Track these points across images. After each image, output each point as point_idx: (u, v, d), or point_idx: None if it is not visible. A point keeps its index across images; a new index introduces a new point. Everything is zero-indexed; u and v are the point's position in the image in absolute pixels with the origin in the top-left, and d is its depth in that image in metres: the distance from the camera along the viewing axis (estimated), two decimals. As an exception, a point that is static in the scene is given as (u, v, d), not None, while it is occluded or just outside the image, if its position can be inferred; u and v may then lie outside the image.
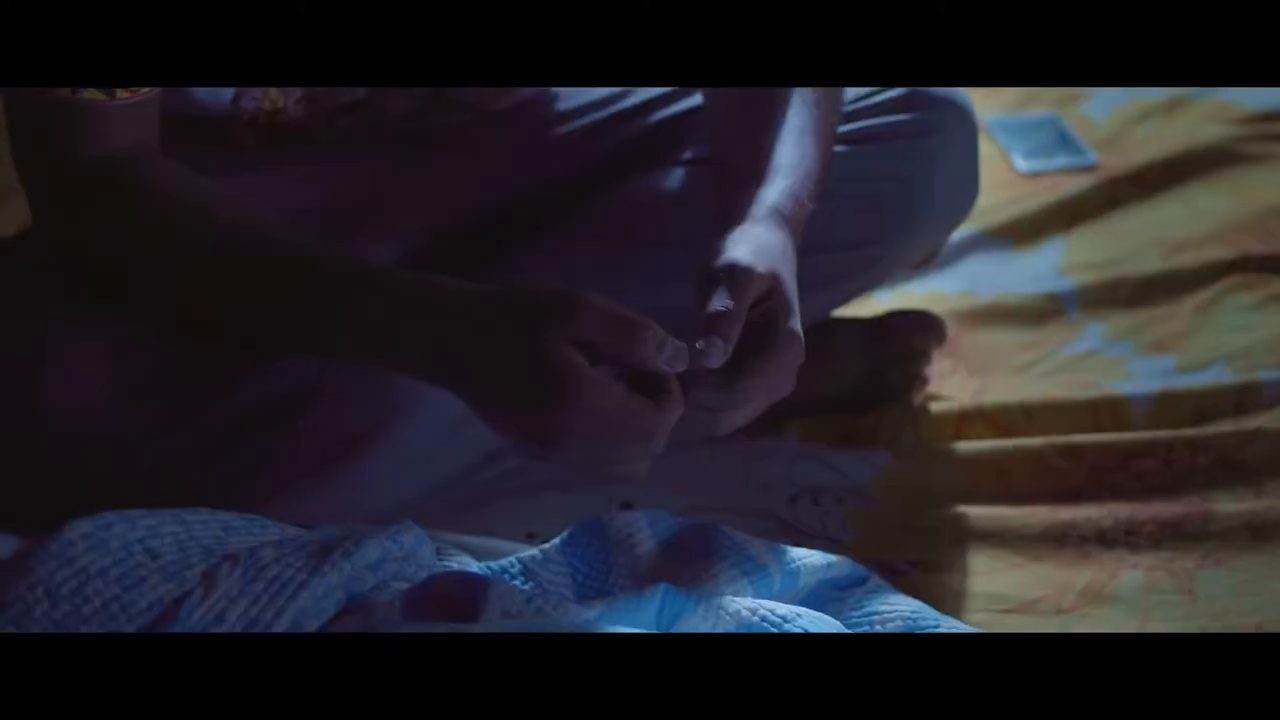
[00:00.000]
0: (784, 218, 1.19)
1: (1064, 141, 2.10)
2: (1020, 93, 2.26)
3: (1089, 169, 2.03)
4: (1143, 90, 2.20)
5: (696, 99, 1.43)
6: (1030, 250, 1.89)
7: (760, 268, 1.11)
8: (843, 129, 1.35)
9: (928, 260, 1.67)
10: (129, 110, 1.19)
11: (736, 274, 1.10)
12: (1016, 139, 2.11)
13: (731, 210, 1.19)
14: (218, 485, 1.21)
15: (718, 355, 1.08)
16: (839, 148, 1.33)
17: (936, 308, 1.70)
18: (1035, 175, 2.04)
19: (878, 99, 1.40)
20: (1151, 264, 1.81)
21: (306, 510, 1.21)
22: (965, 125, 1.42)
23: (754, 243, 1.13)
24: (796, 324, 1.12)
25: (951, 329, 1.65)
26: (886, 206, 1.40)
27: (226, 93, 1.31)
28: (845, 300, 1.48)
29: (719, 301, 1.09)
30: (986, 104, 2.15)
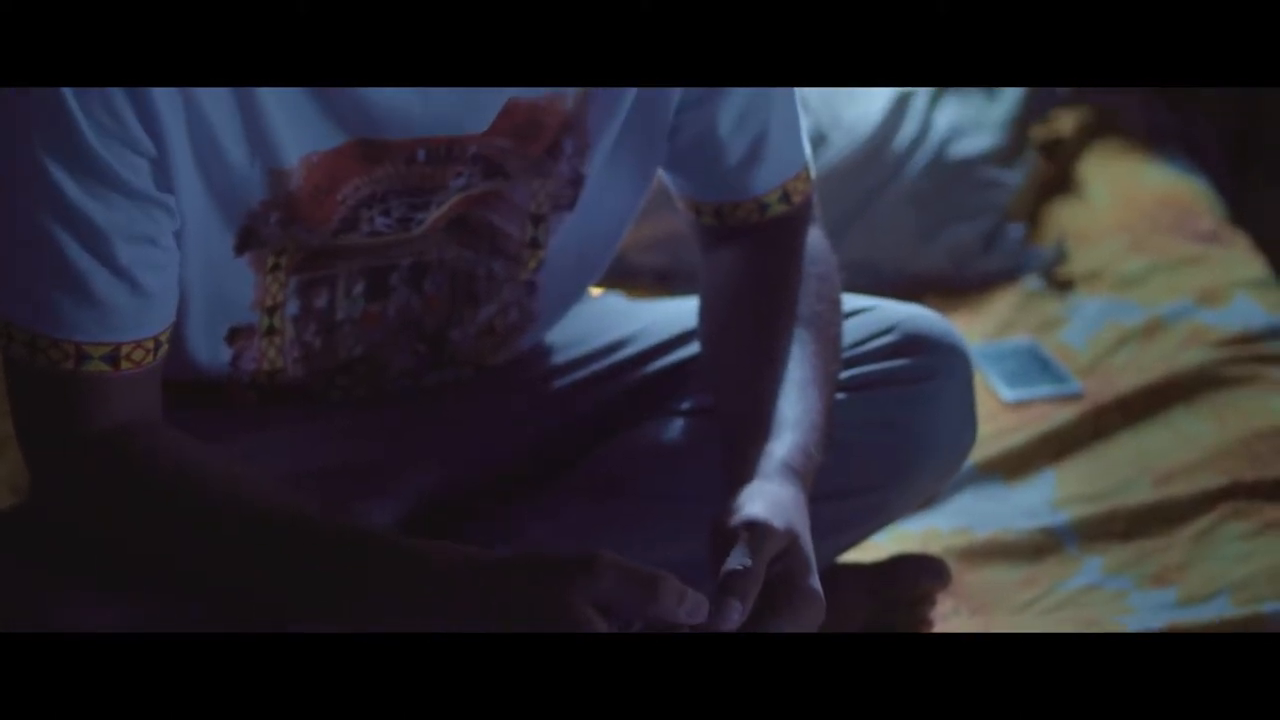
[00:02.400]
0: (795, 472, 1.20)
1: (1046, 369, 2.12)
2: (998, 320, 2.28)
3: (1073, 397, 2.05)
4: (1120, 315, 2.23)
5: (694, 348, 1.44)
6: (1022, 484, 1.89)
7: (778, 524, 1.11)
8: (841, 376, 1.36)
9: (928, 501, 1.67)
10: (131, 382, 1.20)
11: (755, 531, 1.11)
12: (998, 367, 2.12)
13: (742, 466, 1.20)
14: None
15: (734, 617, 1.08)
16: (838, 395, 1.34)
17: (933, 545, 1.69)
18: (1020, 404, 2.05)
19: (874, 345, 1.41)
20: (1144, 494, 1.81)
21: None
22: (961, 369, 1.43)
23: (769, 499, 1.14)
24: (815, 581, 1.12)
25: (950, 568, 1.64)
26: (887, 453, 1.40)
27: (225, 354, 1.32)
28: (850, 546, 1.48)
29: (736, 560, 1.10)
30: (967, 333, 2.17)
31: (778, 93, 1.36)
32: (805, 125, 1.41)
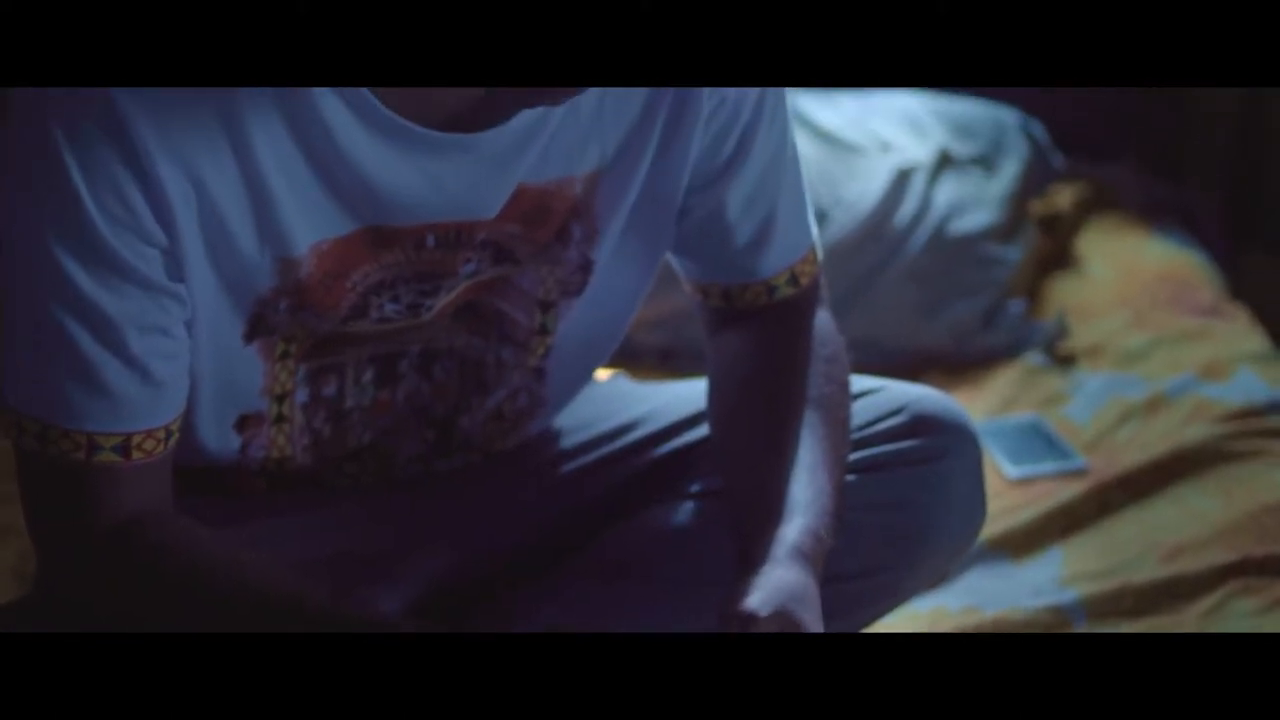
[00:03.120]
0: (805, 556, 1.20)
1: (1050, 445, 2.12)
2: (1001, 396, 2.29)
3: (1078, 474, 2.04)
4: (1123, 390, 2.23)
5: (703, 430, 1.44)
6: (1029, 561, 1.88)
7: (765, 614, 1.12)
8: (850, 457, 1.36)
9: (936, 580, 1.66)
10: (143, 471, 1.20)
11: (746, 624, 1.11)
12: (1003, 444, 2.12)
13: (752, 551, 1.20)
14: None
15: None
16: (848, 477, 1.34)
17: (942, 625, 1.68)
18: (1025, 481, 2.05)
19: (883, 427, 1.41)
20: (1151, 571, 1.80)
21: None
22: (970, 449, 1.43)
23: (775, 586, 1.16)
24: None
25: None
26: (898, 534, 1.40)
27: (235, 442, 1.32)
28: (862, 628, 1.47)
29: None
30: (970, 410, 2.16)
31: (786, 174, 1.37)
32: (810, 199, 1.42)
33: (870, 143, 2.61)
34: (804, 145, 2.48)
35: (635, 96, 1.26)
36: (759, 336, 1.39)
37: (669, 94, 1.27)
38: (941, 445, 1.40)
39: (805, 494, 1.25)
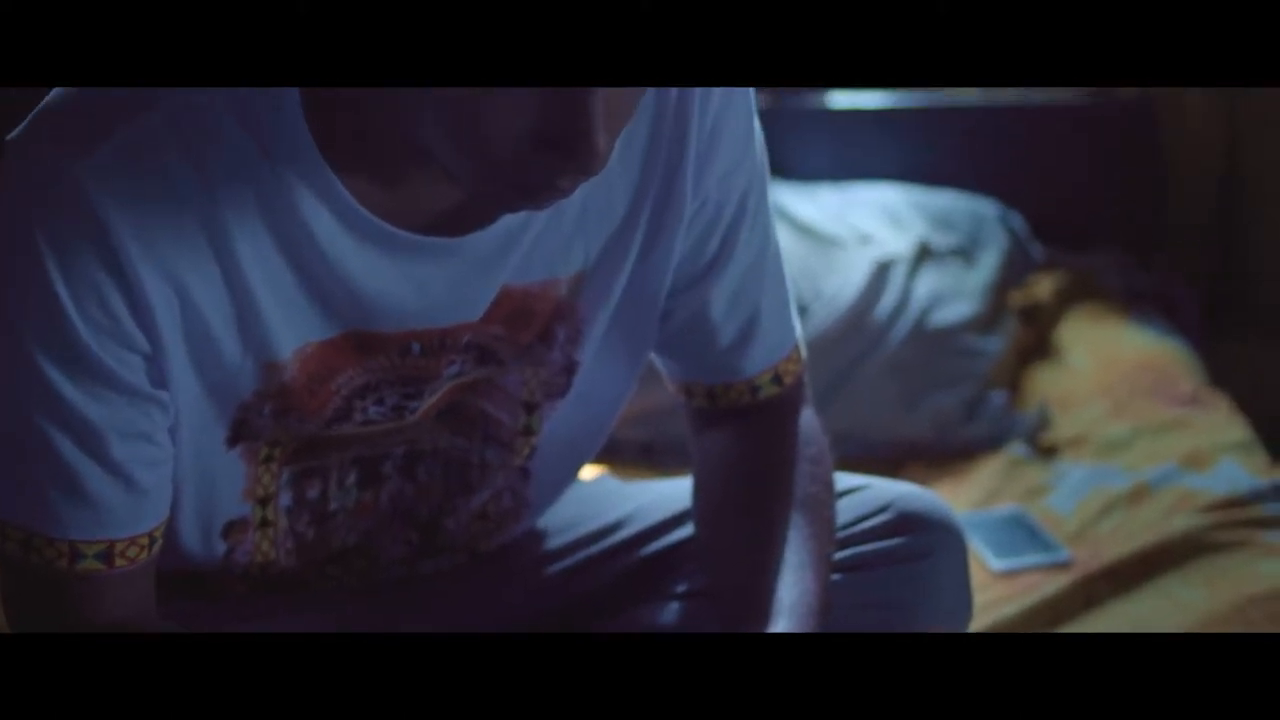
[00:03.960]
0: (793, 659, 1.18)
1: (1034, 537, 2.12)
2: (983, 488, 2.29)
3: (1063, 566, 2.04)
4: (1105, 481, 2.23)
5: (689, 530, 1.43)
6: (1016, 656, 1.88)
7: None
8: (836, 556, 1.36)
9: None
10: (125, 578, 1.19)
11: None
12: (987, 537, 2.12)
13: (739, 653, 1.19)
14: None
15: None
16: (834, 576, 1.33)
17: None
18: (1010, 574, 2.04)
19: (868, 525, 1.40)
20: (1138, 664, 1.80)
21: None
22: (956, 546, 1.42)
23: None
24: None
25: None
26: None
27: (219, 547, 1.31)
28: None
29: None
30: (953, 502, 2.17)
31: (769, 273, 1.37)
32: (793, 297, 1.42)
33: (850, 235, 2.63)
34: (783, 239, 2.49)
35: (618, 199, 1.27)
36: (743, 436, 1.39)
37: (652, 196, 1.27)
38: (927, 543, 1.40)
39: (791, 594, 1.25)
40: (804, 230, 2.64)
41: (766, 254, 1.37)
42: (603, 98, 1.03)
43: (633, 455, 2.34)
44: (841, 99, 3.05)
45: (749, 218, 1.33)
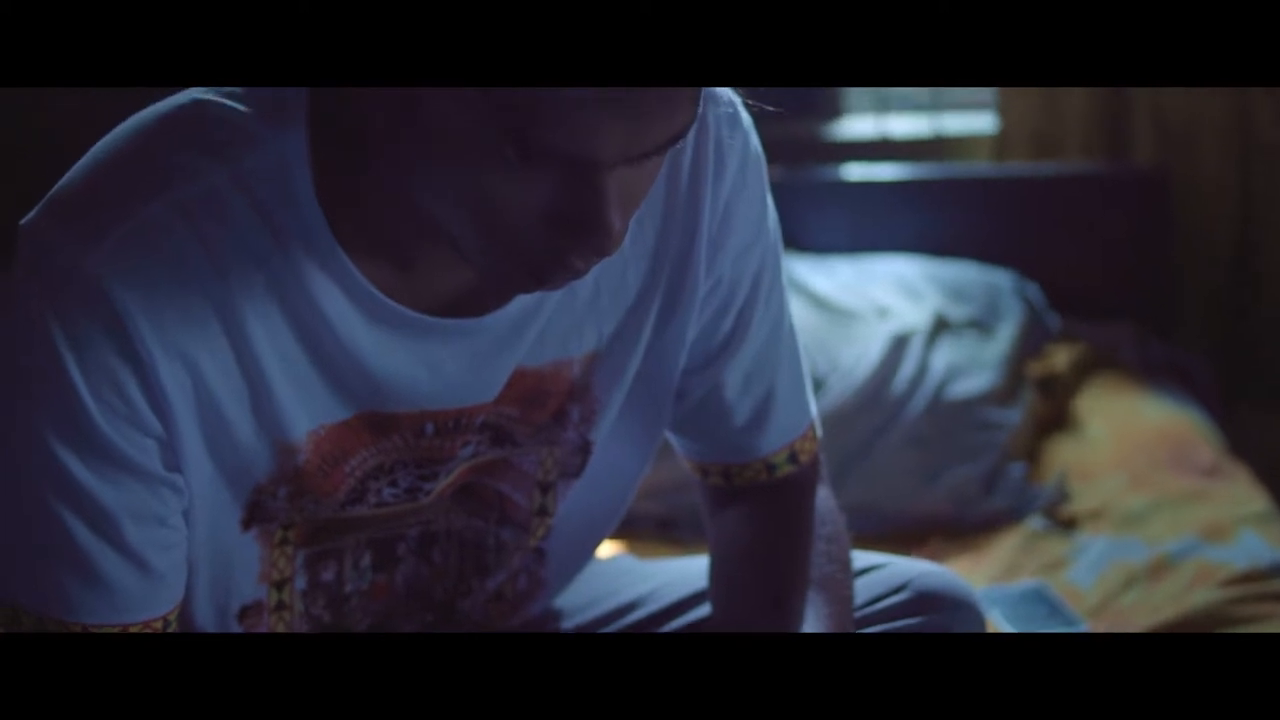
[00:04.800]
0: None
1: (1054, 612, 2.10)
2: (1003, 562, 2.27)
3: (1084, 640, 2.03)
4: (1125, 554, 2.22)
5: (705, 609, 1.42)
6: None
7: None
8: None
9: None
10: None
11: None
12: (1006, 612, 2.10)
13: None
14: None
15: None
16: (853, 656, 1.33)
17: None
18: (1030, 649, 2.03)
19: (886, 604, 1.39)
20: (1161, 741, 1.78)
21: None
22: (974, 625, 1.41)
23: None
24: None
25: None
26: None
27: (235, 630, 1.30)
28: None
29: None
30: (973, 576, 2.16)
31: (783, 351, 1.37)
32: (808, 374, 1.42)
33: (866, 308, 2.63)
34: (800, 311, 2.50)
35: (632, 280, 1.27)
36: (759, 515, 1.38)
37: (665, 275, 1.27)
38: (945, 623, 1.39)
39: (809, 676, 1.24)
40: (820, 303, 2.64)
41: (781, 332, 1.37)
42: (617, 178, 1.03)
43: (651, 529, 2.33)
44: (856, 171, 3.05)
45: (763, 296, 1.33)
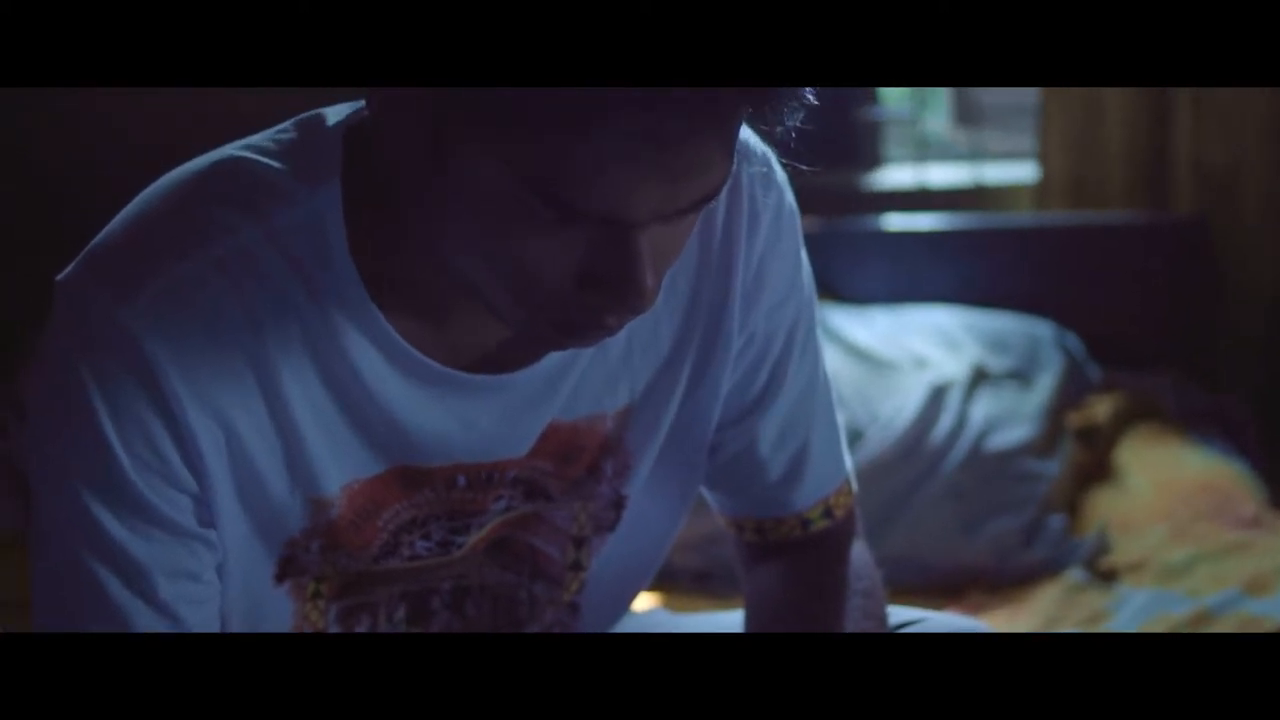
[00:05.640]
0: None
1: (1095, 666, 2.08)
2: (1043, 615, 2.26)
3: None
4: (1167, 607, 2.20)
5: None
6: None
7: None
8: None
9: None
10: None
11: None
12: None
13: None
14: None
15: None
16: None
17: None
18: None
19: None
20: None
21: None
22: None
23: None
24: None
25: None
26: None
27: (266, 684, 1.30)
28: None
29: None
30: (1012, 629, 2.15)
31: (818, 406, 1.37)
32: (843, 427, 1.41)
33: (905, 359, 2.62)
34: (838, 362, 2.50)
35: (664, 335, 1.27)
36: (793, 570, 1.37)
37: (699, 331, 1.27)
38: (982, 678, 1.38)
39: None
40: (859, 354, 2.63)
41: (815, 386, 1.36)
42: (650, 236, 1.03)
43: (687, 582, 2.32)
44: (895, 221, 3.05)
45: (797, 351, 1.33)
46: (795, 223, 1.30)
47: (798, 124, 1.04)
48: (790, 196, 1.30)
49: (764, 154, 1.25)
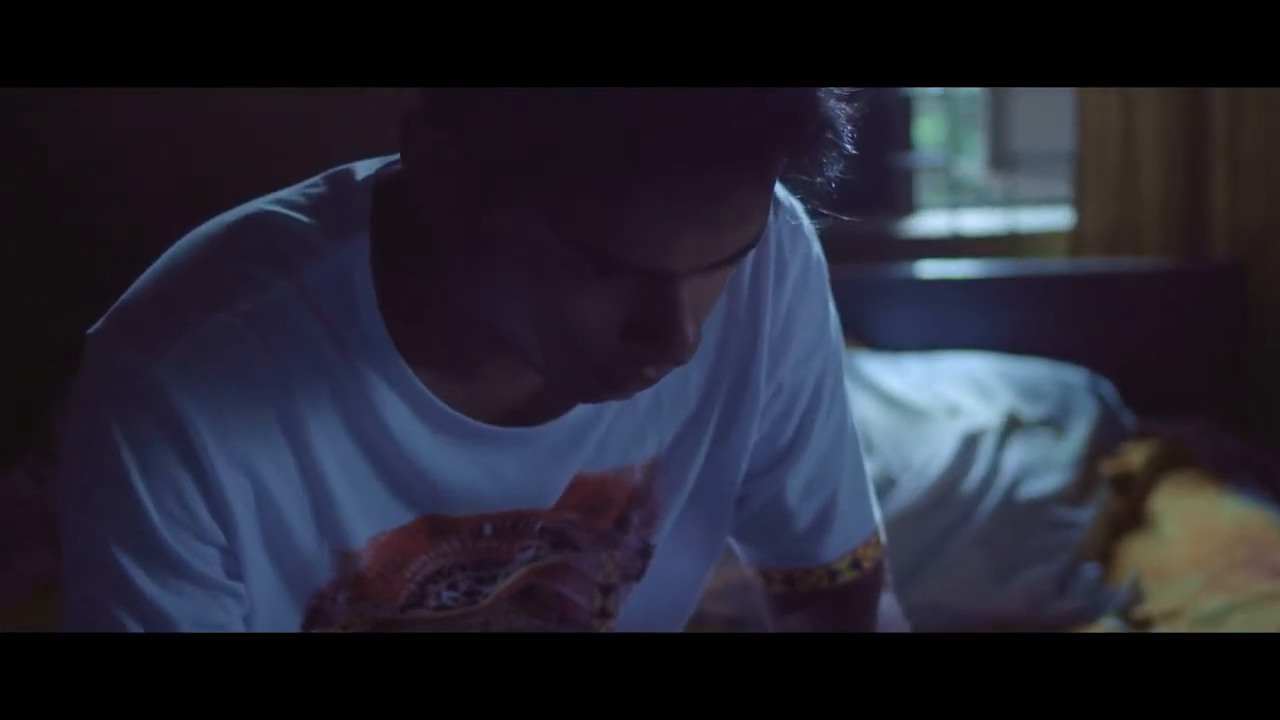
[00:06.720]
0: None
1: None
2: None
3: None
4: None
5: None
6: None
7: None
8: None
9: None
10: None
11: None
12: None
13: None
14: None
15: None
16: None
17: None
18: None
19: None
20: None
21: None
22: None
23: None
24: None
25: None
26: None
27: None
28: None
29: None
30: (1045, 679, 2.13)
31: (846, 457, 1.37)
32: (872, 474, 1.41)
33: (937, 407, 2.62)
34: (871, 410, 2.49)
35: (692, 387, 1.27)
36: (820, 622, 1.37)
37: (725, 383, 1.27)
38: None
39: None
40: (891, 402, 2.63)
41: (844, 438, 1.36)
42: (690, 287, 1.03)
43: (719, 628, 2.31)
44: (929, 268, 3.05)
45: (825, 402, 1.33)
46: (823, 273, 1.31)
47: (836, 174, 1.04)
48: (818, 247, 1.30)
49: (791, 205, 1.25)
